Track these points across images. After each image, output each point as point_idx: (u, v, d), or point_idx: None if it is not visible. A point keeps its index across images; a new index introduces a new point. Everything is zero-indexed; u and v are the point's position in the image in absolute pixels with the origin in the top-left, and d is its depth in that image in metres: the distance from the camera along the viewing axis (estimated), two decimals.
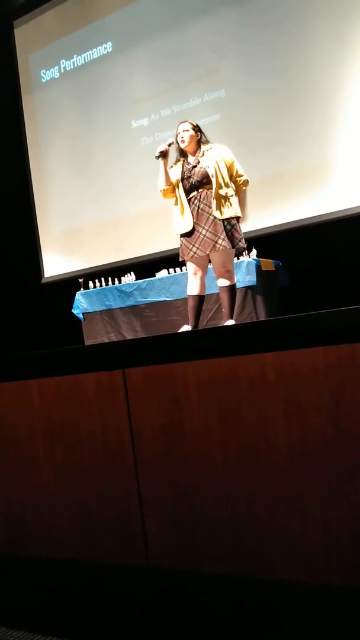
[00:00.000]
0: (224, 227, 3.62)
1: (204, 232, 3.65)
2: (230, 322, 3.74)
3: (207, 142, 3.80)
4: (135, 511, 1.61)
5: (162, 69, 6.04)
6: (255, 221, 5.02)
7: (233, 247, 3.68)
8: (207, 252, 3.66)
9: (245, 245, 3.81)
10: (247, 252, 4.62)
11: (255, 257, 4.68)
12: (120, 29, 6.32)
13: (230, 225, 3.65)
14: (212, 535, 1.50)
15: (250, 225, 4.63)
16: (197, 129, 3.79)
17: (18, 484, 1.86)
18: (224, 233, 3.61)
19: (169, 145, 3.76)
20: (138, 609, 1.64)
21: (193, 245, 3.68)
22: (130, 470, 1.62)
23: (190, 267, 3.81)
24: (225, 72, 5.67)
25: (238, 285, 4.23)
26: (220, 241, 3.60)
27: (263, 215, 5.19)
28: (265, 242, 5.01)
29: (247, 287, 4.55)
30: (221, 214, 3.63)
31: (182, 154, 3.81)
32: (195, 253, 3.68)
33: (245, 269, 4.56)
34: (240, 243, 3.71)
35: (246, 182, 3.77)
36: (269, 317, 4.46)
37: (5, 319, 6.33)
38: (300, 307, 3.87)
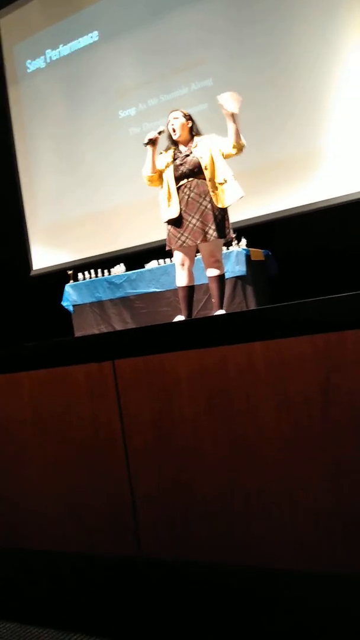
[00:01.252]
0: (215, 216, 3.60)
1: (193, 221, 3.63)
2: (221, 312, 3.74)
3: (199, 132, 3.77)
4: (127, 502, 1.61)
5: (148, 58, 6.00)
6: (244, 211, 5.03)
7: (223, 237, 3.67)
8: (197, 242, 3.64)
9: (233, 235, 3.79)
10: (236, 241, 4.61)
11: (244, 247, 4.68)
12: (106, 18, 6.27)
13: (221, 215, 3.63)
14: (204, 526, 1.50)
15: (239, 215, 4.63)
16: (188, 117, 3.76)
17: (8, 476, 1.86)
18: (214, 223, 3.59)
19: (159, 133, 3.73)
20: (131, 600, 1.65)
21: (182, 235, 3.66)
22: (121, 462, 1.62)
23: (177, 257, 3.79)
24: (212, 61, 5.64)
25: (228, 275, 4.23)
26: (210, 231, 3.59)
27: (252, 205, 5.18)
28: (255, 232, 5.01)
29: (237, 277, 4.55)
30: (223, 203, 3.61)
31: (173, 141, 3.78)
32: (184, 242, 3.66)
33: (235, 259, 4.56)
34: (229, 233, 3.70)
35: (242, 146, 3.65)
36: (259, 307, 4.46)
37: None
38: (290, 297, 3.87)
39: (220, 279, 3.76)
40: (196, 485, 1.51)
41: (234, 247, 4.62)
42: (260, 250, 4.89)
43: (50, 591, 1.80)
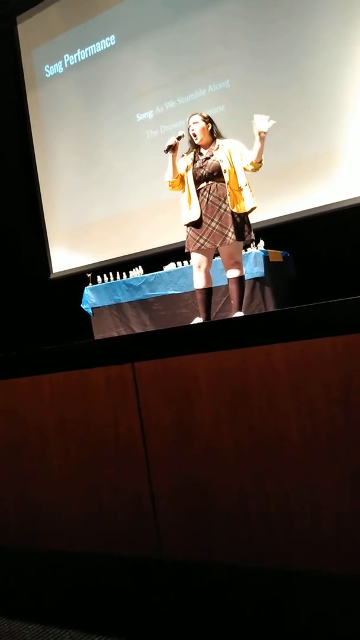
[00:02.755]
0: (234, 220, 3.60)
1: (213, 224, 3.63)
2: (239, 313, 3.73)
3: (219, 133, 3.77)
4: (147, 504, 1.62)
5: (166, 61, 6.02)
6: (263, 212, 5.00)
7: (242, 239, 3.66)
8: (217, 245, 3.65)
9: (253, 238, 3.79)
10: (255, 243, 4.60)
11: (263, 249, 4.67)
12: (123, 22, 6.30)
13: (240, 218, 3.64)
14: (225, 527, 1.50)
15: (258, 216, 4.60)
16: (207, 119, 3.76)
17: (29, 477, 1.87)
18: (234, 226, 3.59)
19: (179, 138, 3.73)
20: (151, 602, 1.65)
21: (200, 237, 3.67)
22: (142, 464, 1.62)
23: (194, 259, 3.79)
24: (230, 62, 5.63)
25: (246, 277, 4.22)
26: (229, 234, 3.59)
27: (271, 206, 5.17)
28: (274, 233, 4.99)
29: (255, 279, 4.54)
30: (237, 209, 3.61)
31: (194, 144, 3.78)
32: (202, 245, 3.67)
33: (253, 260, 4.55)
34: (249, 236, 3.70)
35: (259, 167, 3.67)
36: (277, 308, 4.45)
37: (14, 316, 6.36)
38: (308, 298, 3.85)
39: (240, 280, 3.76)
40: (216, 487, 1.51)
41: (253, 249, 4.60)
42: (278, 251, 4.87)
43: (71, 592, 1.81)
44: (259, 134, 3.56)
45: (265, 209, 4.99)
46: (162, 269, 5.13)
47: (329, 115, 5.13)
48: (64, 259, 6.92)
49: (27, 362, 1.89)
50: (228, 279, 3.76)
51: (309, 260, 4.96)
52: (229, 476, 1.48)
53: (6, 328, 6.10)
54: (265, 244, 4.73)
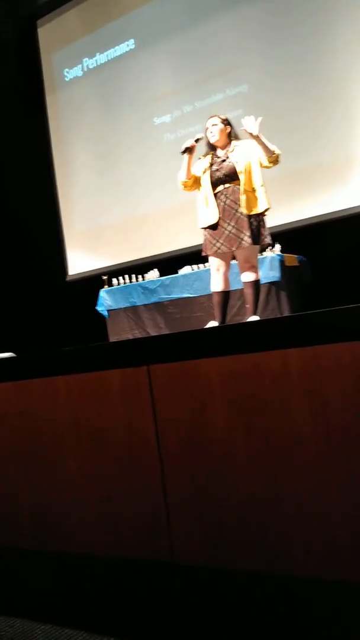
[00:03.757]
0: (250, 223, 3.60)
1: (229, 228, 3.64)
2: (254, 317, 3.72)
3: (237, 136, 3.78)
4: (161, 507, 1.62)
5: (183, 65, 6.04)
6: (279, 216, 5.00)
7: (257, 243, 3.66)
8: (232, 248, 3.65)
9: (271, 241, 3.78)
10: (271, 247, 4.59)
11: (279, 253, 4.65)
12: (142, 26, 6.33)
13: (256, 222, 3.63)
14: (237, 532, 1.49)
15: (274, 220, 4.59)
16: (226, 122, 3.77)
17: (44, 479, 1.88)
18: (250, 230, 3.59)
19: (196, 140, 3.74)
20: (164, 605, 1.65)
21: (217, 241, 3.67)
22: (155, 467, 1.62)
23: (213, 262, 3.80)
24: (247, 67, 5.64)
25: (262, 281, 4.21)
26: (245, 238, 3.59)
27: (287, 210, 5.16)
28: (289, 237, 4.97)
29: (271, 283, 4.52)
30: (249, 210, 3.61)
31: (212, 147, 3.79)
32: (219, 248, 3.67)
33: (269, 264, 4.54)
34: (265, 239, 3.69)
35: (277, 157, 3.64)
36: (292, 313, 4.43)
37: (31, 317, 6.40)
38: (324, 303, 3.83)
39: (256, 284, 3.75)
40: (230, 492, 1.50)
41: (268, 253, 4.59)
42: (294, 255, 4.86)
43: (82, 594, 1.82)
44: (251, 136, 3.58)
45: (282, 212, 4.98)
46: (178, 272, 5.14)
47: (347, 119, 5.11)
48: (80, 261, 6.95)
49: (43, 364, 1.90)
50: (244, 282, 3.76)
51: (325, 265, 4.94)
52: (241, 481, 1.48)
53: (23, 329, 6.14)
54: (281, 248, 4.72)
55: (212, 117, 3.80)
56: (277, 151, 3.62)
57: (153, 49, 6.26)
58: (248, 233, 3.58)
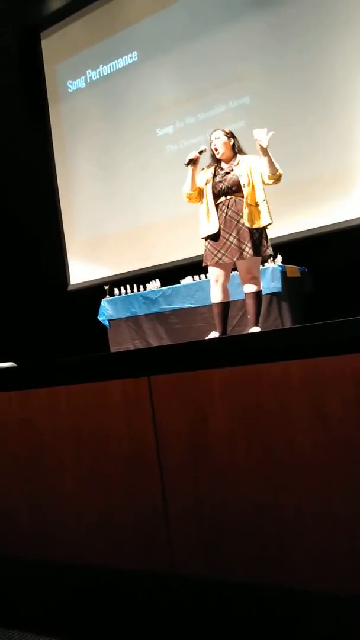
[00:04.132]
0: (252, 234, 3.61)
1: (231, 239, 3.65)
2: (256, 329, 3.73)
3: (241, 149, 3.80)
4: (161, 518, 1.62)
5: (186, 77, 6.08)
6: (280, 227, 5.01)
7: (259, 254, 3.67)
8: (234, 259, 3.66)
9: (272, 253, 3.79)
10: (272, 258, 4.60)
11: (280, 264, 4.66)
12: (145, 39, 6.38)
13: (258, 233, 3.65)
14: (237, 543, 1.49)
15: (275, 231, 4.60)
16: (229, 135, 3.79)
17: (44, 489, 1.88)
18: (251, 241, 3.60)
19: (200, 152, 3.77)
20: (162, 616, 1.64)
21: (218, 251, 3.68)
22: (156, 477, 1.62)
23: (212, 273, 3.80)
24: (249, 79, 5.68)
25: (263, 292, 4.22)
26: (247, 249, 3.60)
27: (289, 221, 5.17)
28: (291, 248, 4.99)
29: (273, 294, 4.53)
30: (251, 224, 3.62)
31: (216, 159, 3.81)
32: (220, 259, 3.68)
33: (271, 275, 4.54)
34: (267, 251, 3.70)
35: (279, 177, 3.67)
36: (294, 324, 4.43)
37: (32, 326, 6.40)
38: (325, 314, 3.84)
39: (257, 295, 3.76)
40: (230, 502, 1.50)
41: (270, 264, 4.60)
42: (296, 267, 4.87)
43: (82, 604, 1.81)
44: (260, 147, 3.59)
45: (283, 224, 5.00)
46: (179, 283, 5.15)
47: (348, 131, 5.14)
48: (82, 270, 6.97)
49: (44, 374, 1.90)
50: (245, 293, 3.77)
51: (327, 276, 4.95)
52: (242, 491, 1.48)
53: (24, 339, 6.14)
54: (282, 259, 4.73)
55: (216, 130, 3.83)
56: (280, 170, 3.66)
57: (156, 61, 6.31)
58: (250, 244, 3.59)
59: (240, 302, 4.28)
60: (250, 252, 3.59)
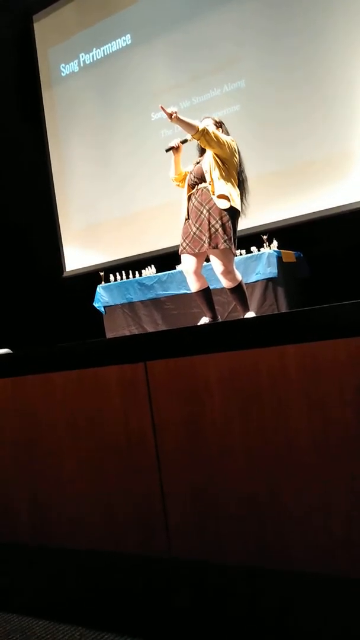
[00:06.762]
0: (210, 226, 3.53)
1: (194, 229, 3.63)
2: (251, 314, 3.72)
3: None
4: (158, 503, 1.62)
5: (181, 61, 6.02)
6: (276, 212, 5.00)
7: (216, 247, 3.53)
8: (196, 250, 3.63)
9: (232, 247, 3.59)
10: (268, 243, 4.59)
11: (276, 249, 4.65)
12: (138, 21, 6.31)
13: (219, 225, 3.52)
14: (234, 528, 1.50)
15: (271, 216, 4.59)
16: (218, 124, 3.76)
17: (41, 476, 1.88)
18: (209, 232, 3.53)
19: (183, 142, 3.75)
20: (161, 601, 1.65)
21: (184, 241, 3.69)
22: (152, 463, 1.62)
23: (183, 262, 3.78)
24: (245, 62, 5.62)
25: (259, 278, 4.21)
26: (205, 240, 3.56)
27: (284, 206, 5.15)
28: (287, 233, 4.97)
29: (268, 279, 4.53)
30: (218, 215, 3.52)
31: (201, 148, 3.79)
32: (184, 249, 3.68)
33: (266, 261, 4.54)
34: (224, 244, 3.51)
35: (202, 131, 3.49)
36: (290, 309, 4.43)
37: (27, 313, 6.39)
38: (322, 299, 3.84)
39: (235, 289, 3.67)
40: (227, 488, 1.51)
41: (266, 249, 4.59)
42: (292, 252, 4.86)
43: (80, 589, 1.82)
44: (169, 118, 3.55)
45: (279, 209, 4.98)
46: (175, 268, 5.13)
47: (344, 115, 5.10)
48: (77, 257, 6.94)
49: (40, 360, 1.90)
50: (226, 289, 3.73)
51: (322, 261, 4.94)
52: (239, 477, 1.48)
53: (19, 325, 6.13)
54: (278, 244, 4.72)
55: (205, 118, 3.80)
56: (199, 125, 3.51)
57: (150, 44, 6.24)
58: (207, 234, 3.54)
59: None
60: (206, 244, 3.55)
